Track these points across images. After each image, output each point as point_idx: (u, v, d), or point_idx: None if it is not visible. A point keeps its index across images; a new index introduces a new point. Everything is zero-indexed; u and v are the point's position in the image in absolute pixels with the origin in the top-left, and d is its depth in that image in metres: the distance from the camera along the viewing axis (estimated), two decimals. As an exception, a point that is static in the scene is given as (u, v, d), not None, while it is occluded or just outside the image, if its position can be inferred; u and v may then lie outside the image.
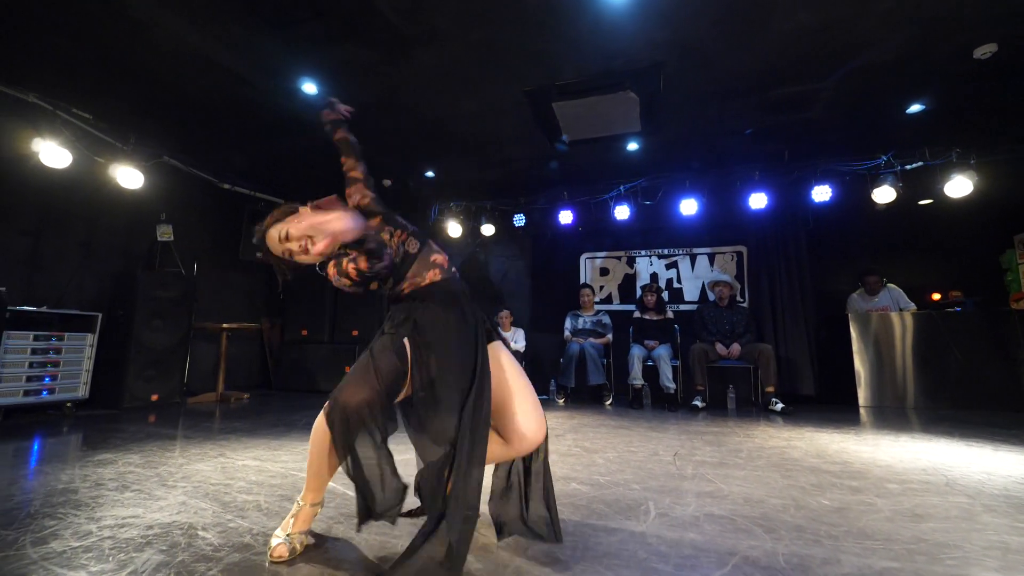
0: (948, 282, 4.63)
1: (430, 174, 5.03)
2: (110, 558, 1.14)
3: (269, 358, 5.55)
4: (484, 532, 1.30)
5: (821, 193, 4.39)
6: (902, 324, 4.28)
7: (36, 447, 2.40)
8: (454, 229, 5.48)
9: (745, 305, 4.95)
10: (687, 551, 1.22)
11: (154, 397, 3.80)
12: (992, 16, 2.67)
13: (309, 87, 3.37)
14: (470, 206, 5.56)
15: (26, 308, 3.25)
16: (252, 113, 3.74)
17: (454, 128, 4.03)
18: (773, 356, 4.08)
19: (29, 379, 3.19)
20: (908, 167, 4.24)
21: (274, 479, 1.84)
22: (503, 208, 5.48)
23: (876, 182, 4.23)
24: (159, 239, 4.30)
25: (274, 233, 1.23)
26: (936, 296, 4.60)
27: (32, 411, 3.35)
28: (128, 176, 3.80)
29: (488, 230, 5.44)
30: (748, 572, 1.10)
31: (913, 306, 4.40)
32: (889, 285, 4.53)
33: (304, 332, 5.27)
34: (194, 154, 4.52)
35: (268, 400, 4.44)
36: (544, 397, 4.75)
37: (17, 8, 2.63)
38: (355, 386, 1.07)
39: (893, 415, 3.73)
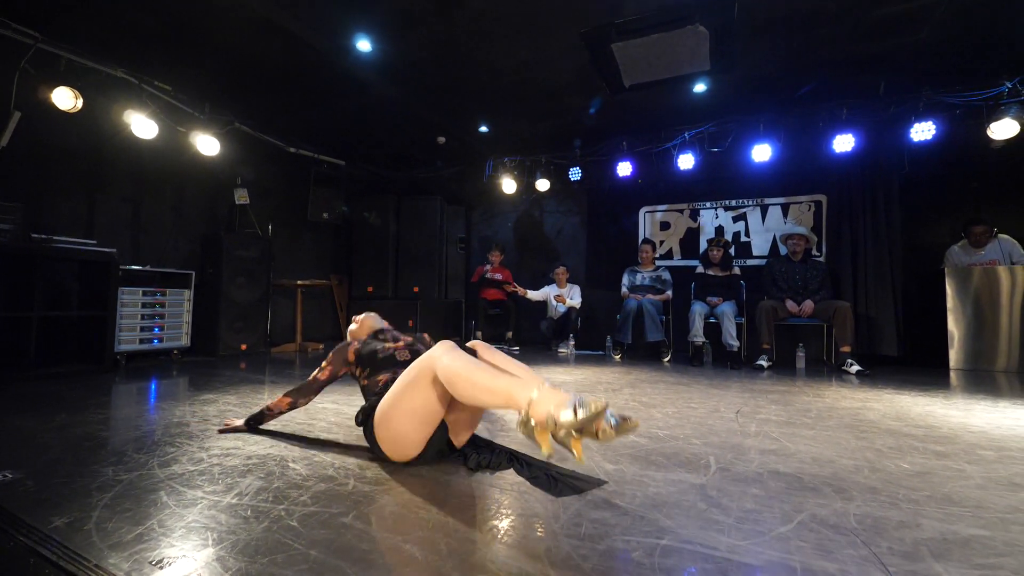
0: (1077, 231, 3.97)
1: (484, 129, 4.96)
2: (220, 481, 1.32)
3: (340, 312, 5.95)
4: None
5: (922, 131, 3.85)
6: (1011, 279, 3.78)
7: (153, 387, 2.78)
8: (508, 185, 5.43)
9: (822, 259, 4.57)
10: (749, 505, 1.21)
11: (243, 346, 4.23)
12: None
13: (363, 44, 3.37)
14: (524, 161, 5.45)
15: (134, 267, 3.68)
16: (310, 75, 3.83)
17: (508, 79, 3.90)
18: (851, 314, 3.78)
19: (142, 329, 3.65)
20: (1039, 94, 3.59)
21: (350, 420, 2.02)
22: (559, 162, 5.33)
23: (995, 114, 3.63)
24: (237, 203, 4.62)
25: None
26: (1059, 247, 3.98)
27: (147, 356, 3.86)
28: (206, 143, 4.07)
29: (543, 185, 5.34)
30: (815, 529, 1.08)
31: (1029, 259, 3.85)
32: (1001, 236, 3.97)
33: (370, 289, 5.57)
34: (261, 119, 4.73)
35: (340, 351, 4.79)
36: (600, 352, 4.76)
37: (99, -15, 2.80)
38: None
39: (990, 379, 3.38)
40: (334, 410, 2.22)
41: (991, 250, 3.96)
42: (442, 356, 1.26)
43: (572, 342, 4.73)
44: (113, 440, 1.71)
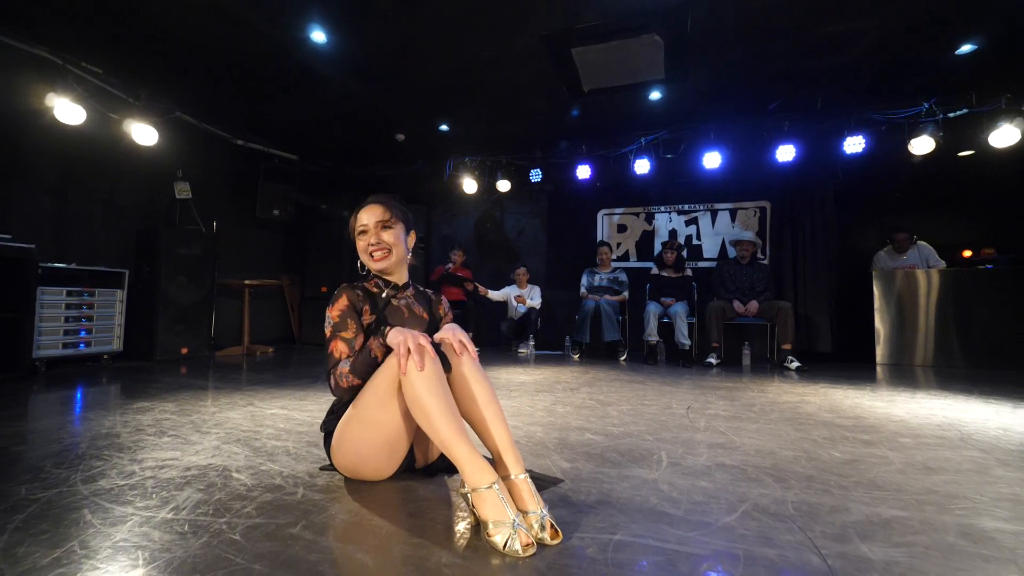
0: (982, 239, 4.43)
1: (444, 128, 4.91)
2: (153, 495, 1.23)
3: (291, 313, 5.71)
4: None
5: (853, 144, 4.16)
6: (927, 282, 4.16)
7: (79, 395, 2.55)
8: (469, 185, 5.40)
9: (766, 262, 4.85)
10: (698, 497, 1.25)
11: (184, 350, 3.97)
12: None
13: (318, 35, 3.25)
14: (485, 161, 5.44)
15: (57, 265, 3.37)
16: (261, 64, 3.65)
17: (469, 78, 3.88)
18: (791, 314, 4.03)
19: (66, 332, 3.35)
20: (951, 115, 3.97)
21: (300, 427, 1.93)
22: (519, 163, 5.36)
23: (915, 131, 3.99)
24: (178, 197, 4.34)
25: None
26: (967, 253, 4.43)
27: (72, 363, 3.54)
28: (142, 132, 3.79)
29: (504, 186, 5.35)
30: (757, 518, 1.14)
31: (943, 264, 4.25)
32: (919, 243, 4.36)
33: (324, 289, 5.37)
34: (207, 110, 4.46)
35: (292, 354, 4.60)
36: (559, 353, 4.83)
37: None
38: None
39: (910, 373, 3.70)
40: (283, 416, 2.12)
41: (911, 255, 4.34)
42: (415, 381, 1.11)
43: (532, 342, 4.77)
44: (29, 455, 1.56)
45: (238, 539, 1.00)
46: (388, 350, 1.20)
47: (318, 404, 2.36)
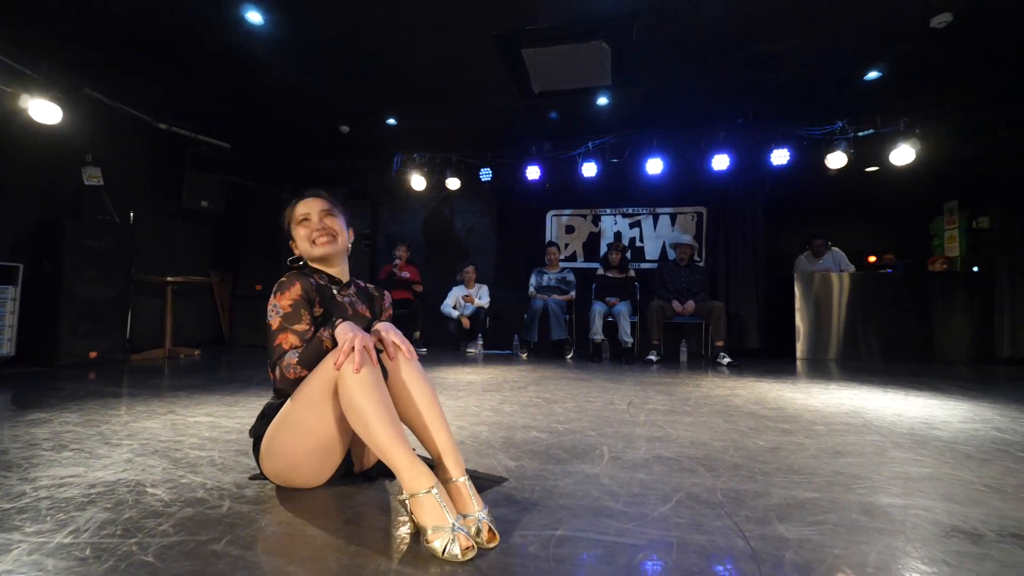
0: (885, 246, 4.96)
1: (392, 121, 4.77)
2: (48, 518, 1.09)
3: (221, 313, 5.32)
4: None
5: (779, 156, 4.50)
6: (840, 284, 4.59)
7: (-41, 406, 2.23)
8: (417, 182, 5.29)
9: (702, 264, 5.13)
10: (636, 490, 1.30)
11: (92, 354, 3.58)
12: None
13: (254, 16, 3.05)
14: (435, 158, 5.35)
15: (-68, 257, 2.93)
16: (187, 43, 3.37)
17: (419, 73, 3.79)
18: (724, 313, 4.29)
19: (-56, 335, 2.92)
20: (860, 134, 4.39)
21: (229, 435, 1.80)
22: (469, 161, 5.32)
23: (830, 147, 4.38)
24: (86, 183, 3.90)
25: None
26: (872, 259, 4.95)
27: (-48, 369, 3.10)
28: (43, 109, 3.37)
29: (454, 184, 5.29)
30: (690, 506, 1.20)
31: (852, 268, 4.71)
32: (833, 248, 4.80)
33: (258, 287, 5.06)
34: (122, 87, 4.05)
35: (221, 356, 4.29)
36: (508, 352, 4.84)
37: None
38: None
39: (825, 366, 4.07)
40: (209, 424, 1.97)
41: (827, 260, 4.78)
42: (351, 385, 1.05)
43: (480, 342, 4.75)
44: None
45: (151, 560, 0.91)
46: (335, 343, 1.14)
47: (249, 410, 2.21)
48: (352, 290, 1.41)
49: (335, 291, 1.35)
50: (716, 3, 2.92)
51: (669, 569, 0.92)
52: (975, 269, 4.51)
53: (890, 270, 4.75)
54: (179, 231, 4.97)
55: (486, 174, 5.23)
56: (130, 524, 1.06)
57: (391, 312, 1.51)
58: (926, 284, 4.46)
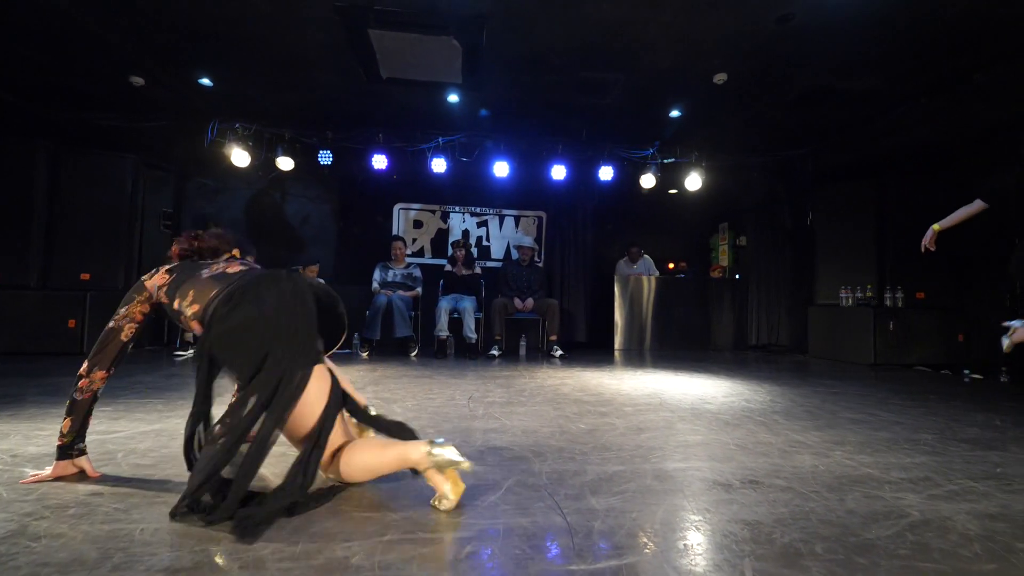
0: (680, 255, 6.09)
1: (207, 82, 4.01)
2: None
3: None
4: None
5: (606, 173, 5.13)
6: (648, 286, 5.47)
7: None
8: (239, 157, 4.57)
9: (541, 265, 5.56)
10: (470, 482, 1.31)
11: None
12: (727, 51, 3.43)
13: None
14: (263, 132, 4.68)
15: None
16: None
17: (243, 28, 3.25)
18: (558, 310, 4.72)
19: None
20: (666, 161, 5.27)
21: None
22: (306, 140, 4.79)
23: (644, 169, 5.16)
24: None
25: None
26: (671, 266, 6.04)
27: None
28: None
29: (286, 164, 4.71)
30: (517, 492, 1.26)
31: (657, 273, 5.66)
32: (645, 255, 5.70)
33: (-11, 272, 3.74)
34: None
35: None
36: (347, 352, 4.51)
37: None
38: None
39: (636, 355, 4.79)
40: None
41: (641, 265, 5.64)
42: (350, 460, 1.22)
43: (316, 340, 4.32)
44: None
45: None
46: None
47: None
48: None
49: None
50: (553, 28, 3.17)
51: (495, 556, 0.95)
52: (738, 276, 5.84)
53: (683, 275, 5.87)
54: None
55: (325, 157, 4.78)
56: None
57: None
58: (708, 287, 5.64)
